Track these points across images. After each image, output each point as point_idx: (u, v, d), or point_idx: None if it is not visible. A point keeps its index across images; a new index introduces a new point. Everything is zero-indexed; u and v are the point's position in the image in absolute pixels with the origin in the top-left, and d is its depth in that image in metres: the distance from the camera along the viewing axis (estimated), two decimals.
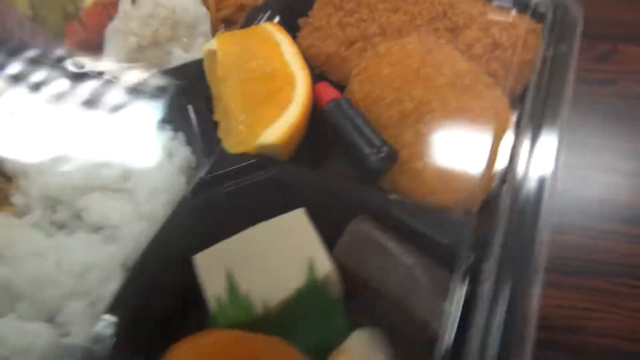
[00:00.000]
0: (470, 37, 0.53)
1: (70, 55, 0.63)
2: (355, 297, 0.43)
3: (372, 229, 0.43)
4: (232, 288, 0.40)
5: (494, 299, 0.37)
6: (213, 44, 0.53)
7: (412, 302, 0.39)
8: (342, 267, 0.42)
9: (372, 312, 0.42)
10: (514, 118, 0.46)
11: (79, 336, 0.44)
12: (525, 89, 0.51)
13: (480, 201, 0.45)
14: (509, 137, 0.45)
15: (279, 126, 0.47)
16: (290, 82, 0.50)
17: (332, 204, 0.46)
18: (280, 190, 0.47)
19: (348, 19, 0.58)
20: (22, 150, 0.54)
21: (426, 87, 0.48)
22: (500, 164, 0.44)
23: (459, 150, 0.46)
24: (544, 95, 0.47)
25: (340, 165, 0.50)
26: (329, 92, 0.50)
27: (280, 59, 0.52)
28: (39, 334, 0.43)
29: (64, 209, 0.51)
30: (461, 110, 0.47)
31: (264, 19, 0.60)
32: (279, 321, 0.41)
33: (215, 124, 0.52)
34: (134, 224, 0.48)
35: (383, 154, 0.46)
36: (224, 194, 0.46)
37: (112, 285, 0.45)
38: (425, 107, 0.48)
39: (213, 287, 0.42)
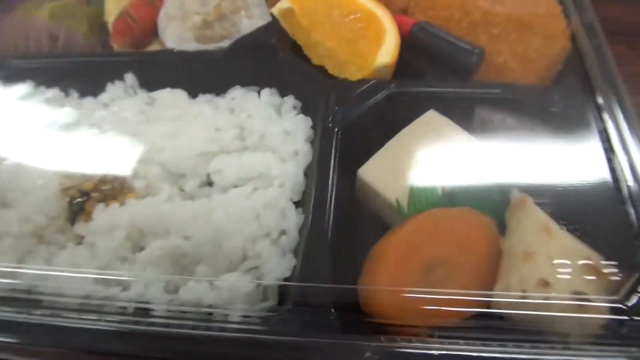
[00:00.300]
0: None
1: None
2: None
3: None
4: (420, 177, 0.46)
5: None
6: (285, 3, 0.58)
7: None
8: None
9: None
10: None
11: (272, 274, 0.45)
12: None
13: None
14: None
15: (387, 49, 0.54)
16: (374, 17, 0.57)
17: (449, 104, 0.52)
18: (402, 101, 0.53)
19: None
20: (132, 133, 0.54)
21: None
22: None
23: (530, 38, 0.56)
24: None
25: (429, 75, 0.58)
26: (406, 20, 0.58)
27: (355, 2, 0.58)
28: (234, 284, 0.44)
29: (190, 179, 0.52)
30: (521, 6, 0.57)
31: None
32: (451, 200, 0.47)
33: (314, 67, 0.56)
34: (280, 166, 0.51)
35: (477, 53, 0.54)
36: (359, 115, 0.51)
37: (290, 220, 0.47)
38: (490, 14, 0.57)
39: (390, 187, 0.47)
